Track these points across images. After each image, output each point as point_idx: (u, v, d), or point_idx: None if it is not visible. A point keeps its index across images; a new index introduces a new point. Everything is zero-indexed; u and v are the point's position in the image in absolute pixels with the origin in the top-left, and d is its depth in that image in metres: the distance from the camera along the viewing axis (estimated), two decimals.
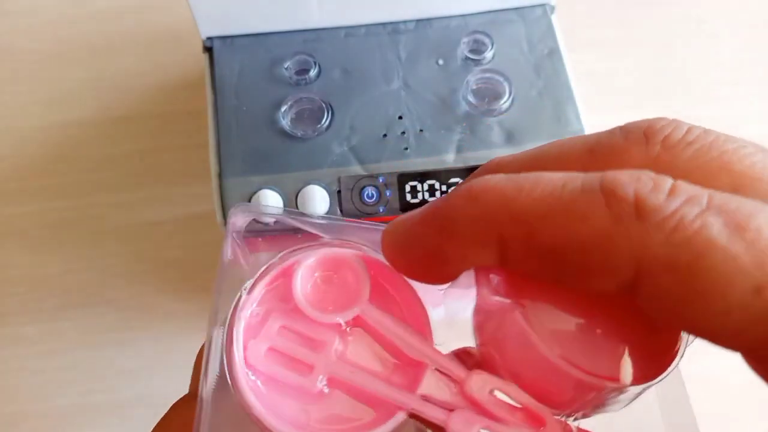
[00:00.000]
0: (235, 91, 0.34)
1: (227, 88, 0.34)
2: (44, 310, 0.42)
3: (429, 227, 0.15)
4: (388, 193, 0.32)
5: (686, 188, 0.13)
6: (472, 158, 0.32)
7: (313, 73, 0.34)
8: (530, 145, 0.33)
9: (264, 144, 0.33)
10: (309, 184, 0.32)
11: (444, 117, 0.33)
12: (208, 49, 0.35)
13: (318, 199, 0.31)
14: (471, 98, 0.33)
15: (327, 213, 0.32)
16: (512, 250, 0.14)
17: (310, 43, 0.35)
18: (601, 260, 0.13)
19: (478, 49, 0.35)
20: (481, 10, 0.36)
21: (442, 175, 0.32)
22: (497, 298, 0.15)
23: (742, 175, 0.14)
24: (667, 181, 0.13)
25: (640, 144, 0.15)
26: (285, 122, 0.33)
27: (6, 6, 0.50)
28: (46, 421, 0.40)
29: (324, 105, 0.33)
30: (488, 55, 0.35)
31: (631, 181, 0.13)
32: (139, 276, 0.43)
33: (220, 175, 0.32)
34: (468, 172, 0.32)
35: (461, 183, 0.17)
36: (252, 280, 0.17)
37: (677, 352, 0.15)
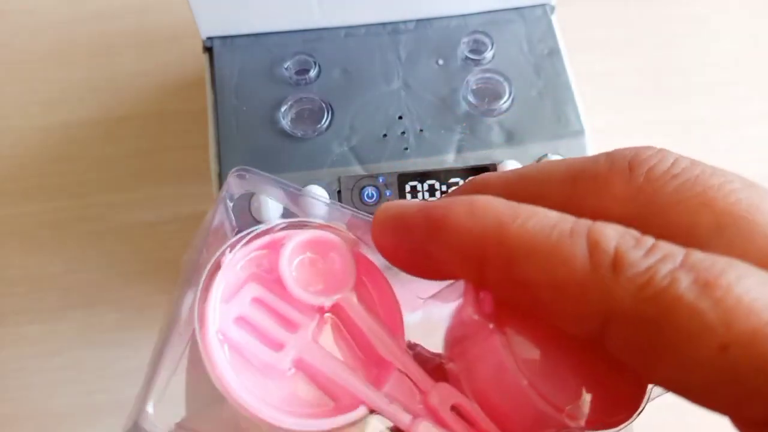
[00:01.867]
0: (235, 91, 0.34)
1: (227, 88, 0.34)
2: (44, 310, 0.42)
3: (422, 222, 0.15)
4: (388, 193, 0.32)
5: (664, 247, 0.13)
6: (472, 158, 0.32)
7: (313, 73, 0.34)
8: (530, 145, 0.33)
9: (264, 144, 0.33)
10: (309, 184, 0.32)
11: (444, 117, 0.33)
12: (208, 49, 0.35)
13: None
14: (471, 98, 0.33)
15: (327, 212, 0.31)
16: (491, 272, 0.14)
17: (310, 43, 0.35)
18: (571, 304, 0.13)
19: (478, 49, 0.35)
20: (481, 10, 0.36)
21: (442, 175, 0.32)
22: (479, 317, 0.15)
23: (725, 213, 0.14)
24: (648, 240, 0.13)
25: (623, 174, 0.15)
26: (285, 122, 0.33)
27: (5, 6, 0.50)
28: (46, 421, 0.40)
29: (324, 105, 0.33)
30: (488, 55, 0.35)
31: (616, 235, 0.13)
32: (139, 276, 0.43)
33: (220, 175, 0.32)
34: (468, 172, 0.32)
35: (463, 189, 0.17)
36: (236, 239, 0.16)
37: (639, 404, 0.15)
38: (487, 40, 0.35)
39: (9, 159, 0.46)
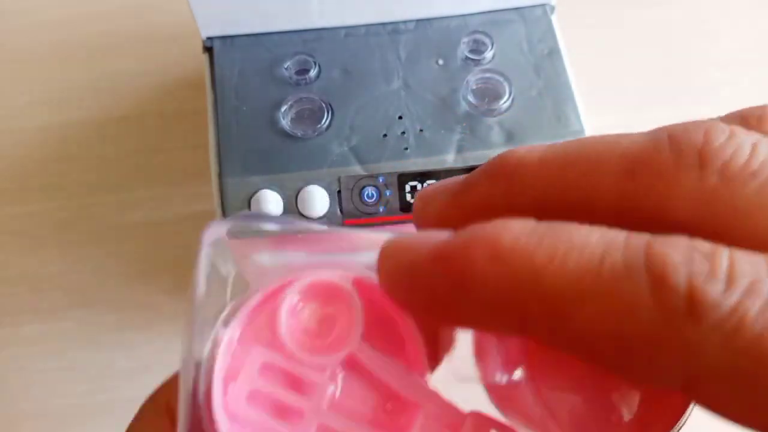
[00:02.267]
0: (235, 91, 0.34)
1: (227, 88, 0.34)
2: (44, 310, 0.42)
3: (440, 275, 0.12)
4: (388, 193, 0.32)
5: (746, 271, 0.10)
6: (472, 158, 0.32)
7: (313, 73, 0.34)
8: (530, 145, 0.33)
9: (264, 144, 0.33)
10: (309, 184, 0.32)
11: (444, 117, 0.33)
12: (208, 49, 0.35)
13: (318, 200, 0.31)
14: (471, 98, 0.33)
15: (327, 213, 0.31)
16: (537, 329, 0.12)
17: (310, 43, 0.35)
18: (643, 363, 0.11)
19: (478, 49, 0.35)
20: (481, 10, 0.36)
21: (442, 175, 0.32)
22: (505, 376, 0.14)
23: None
24: (724, 261, 0.11)
25: (692, 169, 0.12)
26: (285, 122, 0.33)
27: (5, 6, 0.50)
28: (46, 421, 0.40)
29: (324, 105, 0.33)
30: (488, 55, 0.35)
31: (684, 262, 0.11)
32: (139, 276, 0.43)
33: (220, 175, 0.32)
34: (468, 172, 0.32)
35: (490, 172, 0.15)
36: (228, 312, 0.15)
37: (677, 420, 0.14)
38: (487, 40, 0.35)
39: (9, 159, 0.46)
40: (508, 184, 0.14)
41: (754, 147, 0.12)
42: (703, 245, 0.11)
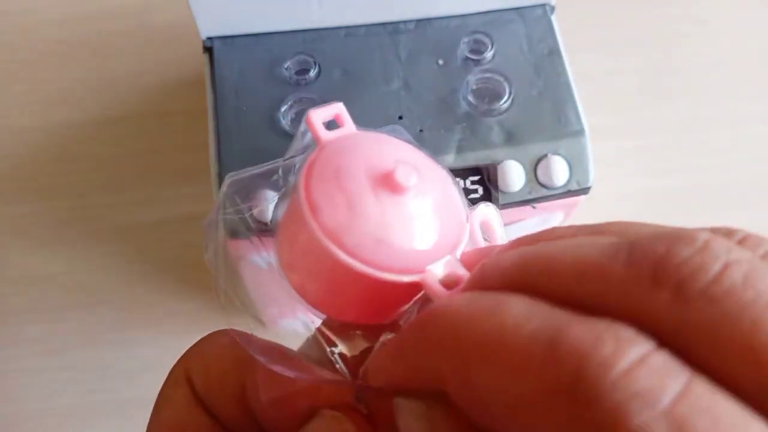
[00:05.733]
0: (235, 91, 0.34)
1: (227, 88, 0.34)
2: (44, 310, 0.42)
3: (390, 359, 0.15)
4: None
5: (643, 375, 0.10)
6: (472, 158, 0.32)
7: (313, 73, 0.34)
8: (530, 145, 0.33)
9: (264, 144, 0.33)
10: None
11: (444, 117, 0.33)
12: (208, 49, 0.35)
13: None
14: (471, 98, 0.33)
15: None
16: (449, 386, 0.12)
17: (310, 43, 0.35)
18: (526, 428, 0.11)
19: (478, 49, 0.35)
20: (481, 10, 0.36)
21: None
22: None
23: None
24: (632, 352, 0.10)
25: (643, 284, 0.11)
26: (285, 122, 0.33)
27: (5, 6, 0.50)
28: (46, 421, 0.40)
29: None
30: (488, 55, 0.35)
31: (589, 343, 0.10)
32: (139, 276, 0.43)
33: (220, 175, 0.32)
34: (468, 172, 0.32)
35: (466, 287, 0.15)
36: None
37: None
38: (487, 40, 0.35)
39: (9, 159, 0.46)
40: (439, 348, 0.13)
41: (726, 267, 0.10)
42: (625, 331, 0.10)
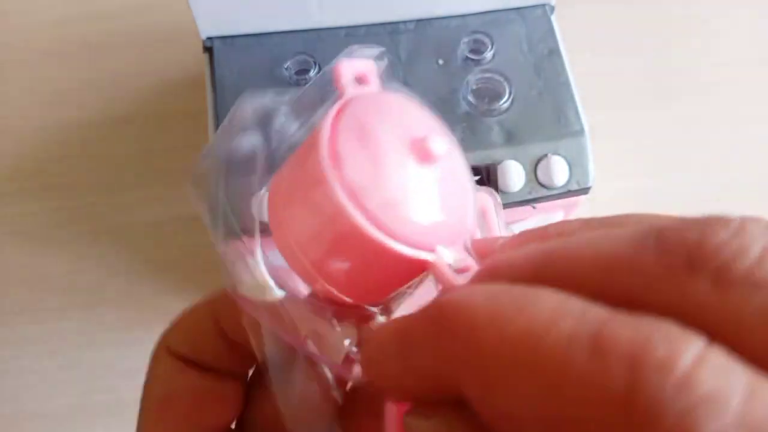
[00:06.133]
0: (235, 91, 0.34)
1: (227, 88, 0.34)
2: (44, 310, 0.42)
3: (390, 355, 0.13)
4: None
5: (706, 377, 0.09)
6: (472, 158, 0.32)
7: (313, 73, 0.34)
8: (530, 145, 0.33)
9: None
10: None
11: (444, 117, 0.33)
12: (208, 49, 0.35)
13: None
14: (471, 98, 0.33)
15: None
16: (469, 396, 0.11)
17: (310, 43, 0.35)
18: None
19: (478, 49, 0.35)
20: (481, 10, 0.36)
21: None
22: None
23: None
24: (688, 353, 0.09)
25: (679, 274, 0.10)
26: None
27: (5, 5, 0.50)
28: (46, 421, 0.40)
29: None
30: (488, 55, 0.35)
31: (635, 341, 0.09)
32: (139, 276, 0.43)
33: None
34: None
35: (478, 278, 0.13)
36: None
37: None
38: (487, 40, 0.35)
39: (9, 159, 0.46)
40: (457, 349, 0.11)
41: (764, 250, 0.09)
42: (673, 328, 0.09)
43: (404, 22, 0.36)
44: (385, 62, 0.16)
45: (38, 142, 0.46)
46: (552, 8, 0.36)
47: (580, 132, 0.33)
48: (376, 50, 0.16)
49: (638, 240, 0.10)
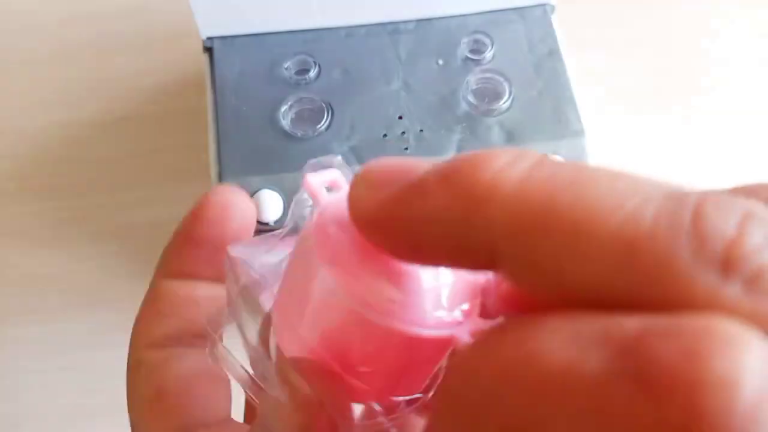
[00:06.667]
0: (235, 91, 0.34)
1: (227, 88, 0.34)
2: (44, 310, 0.42)
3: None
4: None
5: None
6: None
7: (313, 73, 0.34)
8: (530, 145, 0.33)
9: (264, 144, 0.33)
10: None
11: (444, 117, 0.33)
12: (208, 49, 0.35)
13: None
14: (471, 98, 0.33)
15: None
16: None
17: (310, 43, 0.35)
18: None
19: (478, 49, 0.35)
20: (481, 10, 0.36)
21: None
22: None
23: None
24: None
25: (711, 269, 0.09)
26: (285, 122, 0.33)
27: (5, 6, 0.50)
28: (46, 421, 0.40)
29: (324, 105, 0.33)
30: (488, 55, 0.35)
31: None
32: (139, 276, 0.43)
33: (220, 175, 0.32)
34: None
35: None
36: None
37: None
38: (487, 40, 0.35)
39: (9, 159, 0.46)
40: (470, 208, 0.11)
41: None
42: (732, 326, 0.08)
43: (404, 22, 0.36)
44: (349, 169, 0.16)
45: (38, 142, 0.46)
46: (552, 8, 0.36)
47: (580, 132, 0.33)
48: (334, 158, 0.16)
49: (671, 215, 0.10)
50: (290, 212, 0.17)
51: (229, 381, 0.19)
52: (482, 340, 0.10)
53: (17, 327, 0.42)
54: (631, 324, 0.09)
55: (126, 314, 0.42)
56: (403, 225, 0.11)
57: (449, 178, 0.11)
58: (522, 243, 0.10)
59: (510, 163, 0.10)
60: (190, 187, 0.45)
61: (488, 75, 0.34)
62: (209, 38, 0.35)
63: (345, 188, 0.15)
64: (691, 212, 0.09)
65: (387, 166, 0.12)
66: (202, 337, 0.18)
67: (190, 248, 0.21)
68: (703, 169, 0.46)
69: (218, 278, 0.19)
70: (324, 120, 0.33)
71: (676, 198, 0.09)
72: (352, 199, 0.12)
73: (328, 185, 0.16)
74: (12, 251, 0.44)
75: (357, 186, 0.12)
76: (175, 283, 0.21)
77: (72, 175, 0.45)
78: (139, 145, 0.46)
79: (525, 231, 0.10)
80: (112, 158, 0.46)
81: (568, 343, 0.09)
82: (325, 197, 0.15)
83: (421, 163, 0.12)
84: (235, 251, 0.17)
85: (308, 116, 0.33)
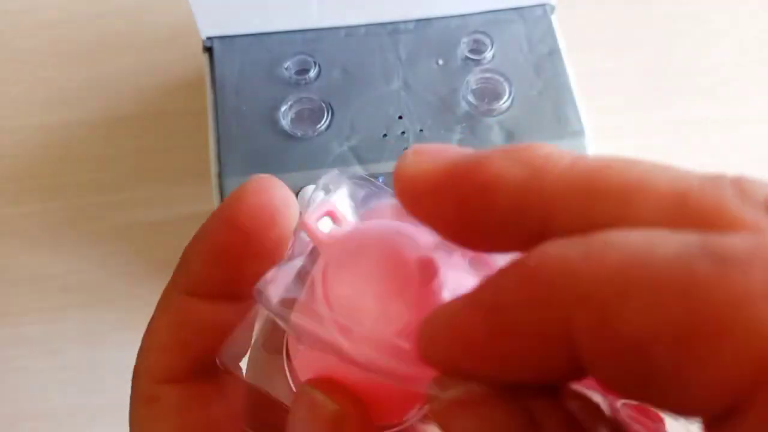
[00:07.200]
0: (235, 91, 0.34)
1: (227, 88, 0.34)
2: (44, 311, 0.42)
3: (475, 318, 0.11)
4: None
5: None
6: None
7: (313, 73, 0.34)
8: None
9: (264, 144, 0.33)
10: (309, 184, 0.32)
11: (444, 117, 0.33)
12: (208, 49, 0.35)
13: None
14: (471, 98, 0.33)
15: None
16: (584, 345, 0.10)
17: (310, 43, 0.35)
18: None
19: (478, 49, 0.35)
20: (481, 10, 0.36)
21: None
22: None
23: None
24: None
25: (756, 211, 0.10)
26: (285, 122, 0.33)
27: (6, 5, 0.50)
28: (46, 421, 0.40)
29: (324, 105, 0.33)
30: (488, 55, 0.35)
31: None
32: (139, 276, 0.43)
33: (220, 175, 0.32)
34: None
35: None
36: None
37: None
38: (487, 40, 0.35)
39: (9, 159, 0.46)
40: (530, 174, 0.11)
41: None
42: None
43: (404, 22, 0.36)
44: (351, 181, 0.16)
45: (38, 142, 0.46)
46: (552, 8, 0.36)
47: (580, 132, 0.33)
48: (329, 176, 0.16)
49: (714, 177, 0.11)
50: (290, 245, 0.16)
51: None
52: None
53: (17, 327, 0.42)
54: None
55: (126, 314, 0.42)
56: (460, 192, 0.12)
57: (510, 150, 0.12)
58: (578, 207, 0.11)
59: (560, 149, 0.12)
60: (190, 187, 0.45)
61: (488, 75, 0.34)
62: (209, 38, 0.35)
63: (345, 216, 0.15)
64: (731, 179, 0.11)
65: (437, 145, 0.13)
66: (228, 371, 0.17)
67: (223, 260, 0.17)
68: (703, 169, 0.46)
69: (245, 297, 0.16)
70: (324, 120, 0.33)
71: (713, 175, 0.11)
72: (402, 170, 0.12)
73: (328, 216, 0.15)
74: (12, 251, 0.44)
75: (408, 158, 0.12)
76: (202, 305, 0.18)
77: (72, 175, 0.45)
78: (139, 145, 0.46)
79: (581, 196, 0.11)
80: (112, 158, 0.46)
81: (648, 236, 0.10)
82: (324, 239, 0.15)
83: (467, 148, 0.13)
84: (267, 287, 0.15)
85: (308, 116, 0.33)
